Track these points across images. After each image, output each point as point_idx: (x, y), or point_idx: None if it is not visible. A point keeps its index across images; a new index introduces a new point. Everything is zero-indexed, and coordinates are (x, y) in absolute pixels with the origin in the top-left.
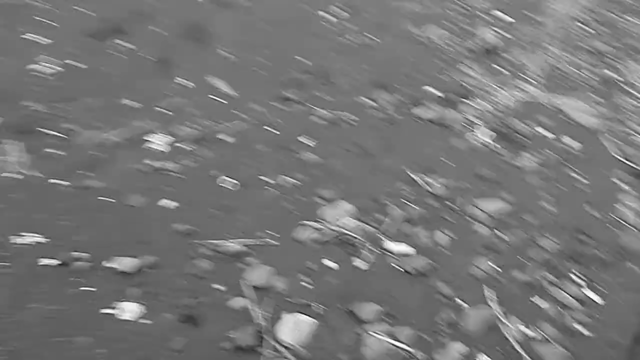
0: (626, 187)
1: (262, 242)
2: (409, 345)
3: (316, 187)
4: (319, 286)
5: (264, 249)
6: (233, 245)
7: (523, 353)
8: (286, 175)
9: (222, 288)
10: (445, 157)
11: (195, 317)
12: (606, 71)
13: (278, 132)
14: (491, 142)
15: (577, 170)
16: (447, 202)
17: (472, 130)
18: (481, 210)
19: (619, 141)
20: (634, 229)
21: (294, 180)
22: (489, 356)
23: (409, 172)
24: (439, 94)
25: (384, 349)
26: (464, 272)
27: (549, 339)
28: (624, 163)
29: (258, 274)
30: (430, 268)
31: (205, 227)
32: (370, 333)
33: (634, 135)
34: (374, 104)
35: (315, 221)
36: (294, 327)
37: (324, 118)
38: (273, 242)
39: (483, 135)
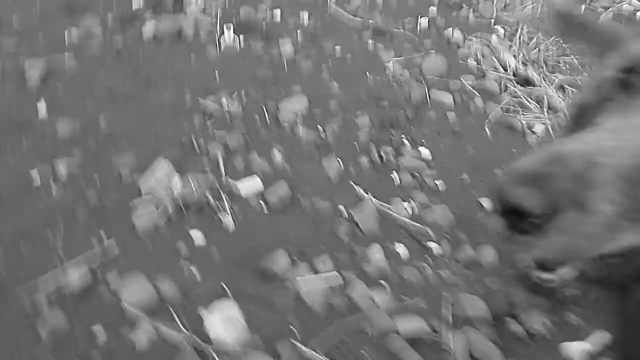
0: (380, 45)
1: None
2: (336, 270)
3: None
4: (209, 266)
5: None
6: None
7: (418, 225)
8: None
9: None
10: (210, 71)
11: None
12: None
13: None
14: (239, 39)
15: (328, 40)
16: (255, 116)
17: (220, 34)
18: (293, 112)
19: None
20: (414, 82)
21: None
22: (401, 243)
23: (199, 100)
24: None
25: (318, 286)
26: (320, 179)
27: (426, 204)
28: (358, 20)
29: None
30: (292, 194)
31: None
32: (297, 279)
33: None
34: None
35: (147, 194)
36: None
37: None
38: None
39: (229, 35)
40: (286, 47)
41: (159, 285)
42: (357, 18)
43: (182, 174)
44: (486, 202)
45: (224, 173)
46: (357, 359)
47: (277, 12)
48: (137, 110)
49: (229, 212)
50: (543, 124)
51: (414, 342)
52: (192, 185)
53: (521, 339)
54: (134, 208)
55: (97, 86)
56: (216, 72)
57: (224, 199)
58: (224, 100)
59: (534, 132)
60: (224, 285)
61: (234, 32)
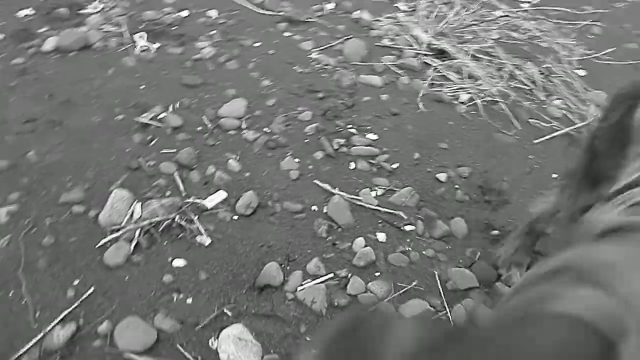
0: (298, 37)
1: None
2: (329, 271)
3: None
4: (200, 290)
5: None
6: None
7: (390, 210)
8: None
9: None
10: (134, 85)
11: None
12: None
13: None
14: (154, 46)
15: (245, 36)
16: (198, 128)
17: (131, 43)
18: (234, 117)
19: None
20: (341, 69)
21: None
22: (380, 232)
23: (136, 120)
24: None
25: (318, 292)
26: (283, 181)
27: (390, 188)
28: (269, 14)
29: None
30: (261, 200)
31: None
32: (298, 289)
33: None
34: None
35: (111, 229)
36: (237, 346)
37: None
38: None
39: (142, 43)
40: (206, 50)
41: (156, 323)
42: (266, 11)
43: (142, 200)
44: (443, 176)
45: (185, 191)
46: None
47: (184, 13)
48: (66, 137)
49: (202, 230)
50: (467, 93)
51: None
52: (157, 209)
53: None
54: (101, 246)
55: (12, 117)
56: (141, 85)
57: (193, 217)
58: (161, 115)
59: (462, 103)
60: (224, 309)
61: (147, 40)
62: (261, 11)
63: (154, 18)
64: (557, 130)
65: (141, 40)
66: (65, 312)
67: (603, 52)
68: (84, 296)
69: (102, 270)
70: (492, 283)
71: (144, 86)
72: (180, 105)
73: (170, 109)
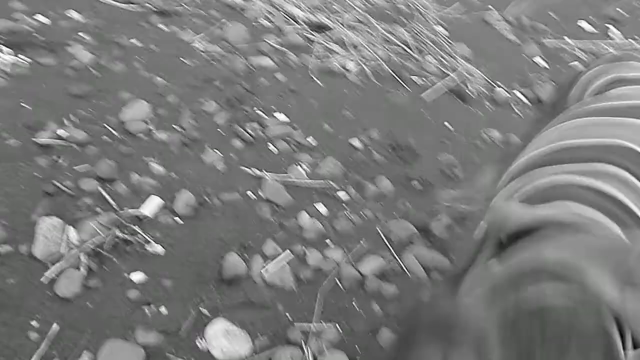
0: (174, 27)
1: None
2: (284, 249)
3: None
4: (170, 298)
5: None
6: None
7: (321, 181)
8: None
9: None
10: (15, 104)
11: None
12: None
13: None
14: (23, 59)
15: (119, 35)
16: (106, 140)
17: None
18: (140, 120)
19: None
20: (229, 55)
21: None
22: (318, 203)
23: (35, 141)
24: None
25: (281, 269)
26: (211, 175)
27: (314, 162)
28: (136, 10)
29: None
30: (197, 198)
31: None
32: (261, 272)
33: None
34: None
35: (52, 262)
36: (227, 338)
37: None
38: None
39: (6, 58)
40: (82, 54)
41: (139, 340)
42: (132, 4)
43: (74, 223)
44: (356, 142)
45: (116, 205)
46: (350, 312)
47: (41, 18)
48: None
49: (150, 239)
50: (353, 61)
51: (382, 276)
52: (95, 228)
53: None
54: (49, 281)
55: None
56: (21, 103)
57: (136, 228)
58: (59, 131)
59: (351, 71)
60: (200, 309)
61: (13, 54)
62: (126, 6)
63: (8, 28)
64: (435, 83)
65: (5, 55)
66: (35, 357)
67: (451, 7)
68: (50, 335)
69: (59, 304)
70: (426, 227)
71: (26, 105)
72: (77, 117)
73: (66, 122)
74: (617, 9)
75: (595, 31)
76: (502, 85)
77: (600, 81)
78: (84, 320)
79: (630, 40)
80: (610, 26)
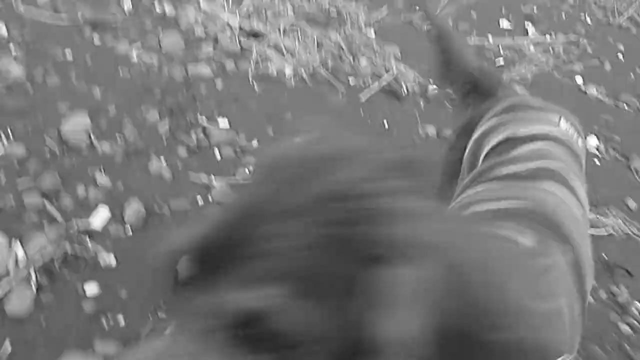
0: (108, 37)
1: None
2: None
3: None
4: (134, 310)
5: None
6: None
7: None
8: None
9: None
10: None
11: None
12: None
13: None
14: None
15: (52, 49)
16: (45, 148)
17: None
18: (81, 132)
19: None
20: (166, 66)
21: None
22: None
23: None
24: None
25: None
26: (158, 184)
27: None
28: (67, 24)
29: None
30: (147, 204)
31: None
32: None
33: None
34: None
35: (2, 280)
36: None
37: None
38: None
39: None
40: (13, 67)
41: (98, 350)
42: (62, 19)
43: (20, 238)
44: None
45: (63, 218)
46: None
47: None
48: None
49: (101, 251)
50: (289, 65)
51: None
52: (43, 244)
53: None
54: None
55: None
56: None
57: (85, 241)
58: None
59: (288, 76)
60: (159, 314)
61: None
62: (54, 14)
63: None
64: (371, 84)
65: None
66: None
67: (379, 11)
68: (1, 355)
69: (11, 324)
70: None
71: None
72: (14, 132)
73: (3, 138)
74: (534, 7)
75: (514, 29)
76: (433, 83)
77: (492, 142)
78: (39, 337)
79: (546, 35)
80: (529, 24)
